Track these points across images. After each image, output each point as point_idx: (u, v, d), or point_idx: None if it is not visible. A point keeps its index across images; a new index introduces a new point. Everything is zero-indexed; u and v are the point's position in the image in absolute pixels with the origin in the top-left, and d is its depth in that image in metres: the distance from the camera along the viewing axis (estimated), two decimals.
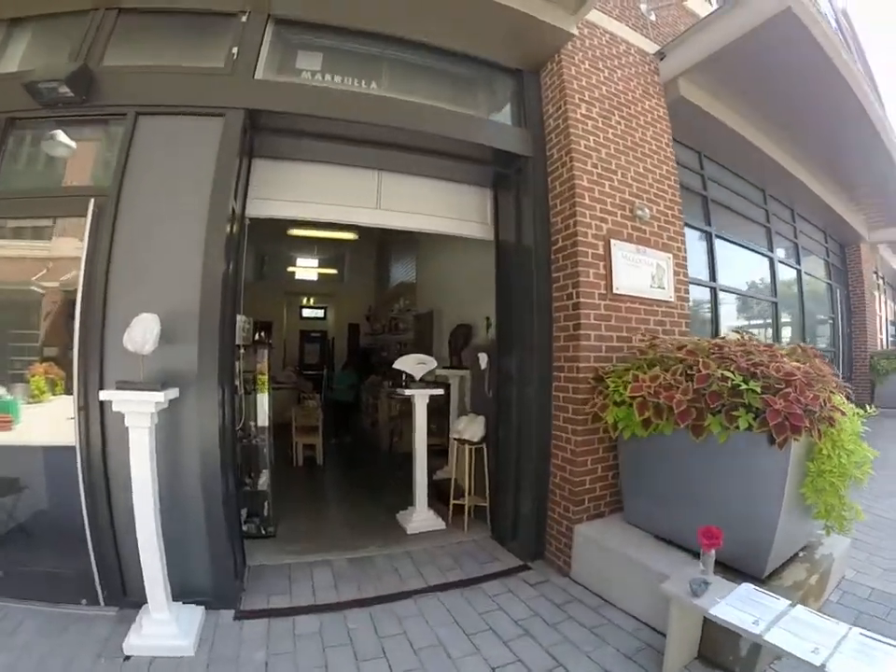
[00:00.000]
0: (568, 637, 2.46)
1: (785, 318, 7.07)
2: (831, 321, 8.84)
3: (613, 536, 2.98)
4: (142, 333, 2.15)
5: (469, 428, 4.06)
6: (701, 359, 2.61)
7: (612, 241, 3.45)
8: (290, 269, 11.23)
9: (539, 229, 3.53)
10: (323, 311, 11.94)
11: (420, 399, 4.03)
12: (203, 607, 2.47)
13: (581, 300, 3.22)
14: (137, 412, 2.14)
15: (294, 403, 7.00)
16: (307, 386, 8.18)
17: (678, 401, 2.51)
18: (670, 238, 3.86)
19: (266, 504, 3.57)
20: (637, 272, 3.58)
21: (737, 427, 2.39)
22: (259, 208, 3.40)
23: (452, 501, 4.04)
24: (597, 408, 2.86)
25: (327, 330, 11.78)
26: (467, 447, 4.00)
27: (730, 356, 2.63)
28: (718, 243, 5.50)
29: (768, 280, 6.72)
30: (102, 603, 2.46)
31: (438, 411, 4.13)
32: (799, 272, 7.53)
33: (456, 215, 3.97)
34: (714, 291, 5.35)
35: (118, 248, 2.59)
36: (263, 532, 3.52)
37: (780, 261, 6.93)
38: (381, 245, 10.74)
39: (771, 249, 6.72)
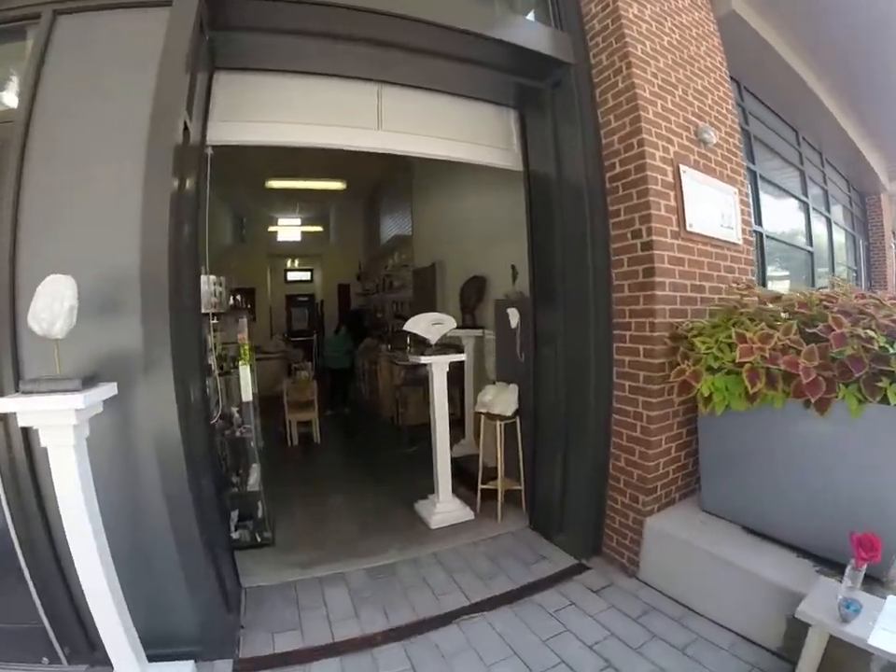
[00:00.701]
0: (660, 665, 1.95)
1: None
2: (854, 273, 8.36)
3: (695, 530, 2.44)
4: (48, 306, 1.43)
5: (500, 400, 3.41)
6: (830, 315, 1.99)
7: (682, 166, 2.75)
8: (272, 229, 10.35)
9: (590, 152, 2.80)
10: (309, 273, 11.19)
11: (439, 369, 3.36)
12: (191, 661, 1.85)
13: (654, 237, 2.53)
14: (52, 425, 1.44)
15: (285, 375, 6.31)
16: (297, 355, 7.48)
17: (805, 369, 1.91)
18: (733, 170, 3.22)
19: (259, 505, 2.90)
20: (707, 207, 2.92)
21: (886, 401, 1.83)
22: (225, 132, 2.57)
23: (480, 486, 3.45)
24: (688, 376, 2.23)
25: (314, 293, 11.08)
26: (497, 422, 3.37)
27: (858, 310, 2.02)
28: (760, 184, 4.86)
29: (803, 227, 6.11)
30: (65, 662, 1.88)
31: (451, 376, 3.50)
32: (829, 220, 6.96)
33: (474, 138, 3.19)
34: (760, 237, 4.71)
35: (29, 192, 1.82)
36: (259, 539, 2.87)
37: (814, 208, 6.32)
38: (370, 198, 9.87)
39: (805, 194, 6.11)
